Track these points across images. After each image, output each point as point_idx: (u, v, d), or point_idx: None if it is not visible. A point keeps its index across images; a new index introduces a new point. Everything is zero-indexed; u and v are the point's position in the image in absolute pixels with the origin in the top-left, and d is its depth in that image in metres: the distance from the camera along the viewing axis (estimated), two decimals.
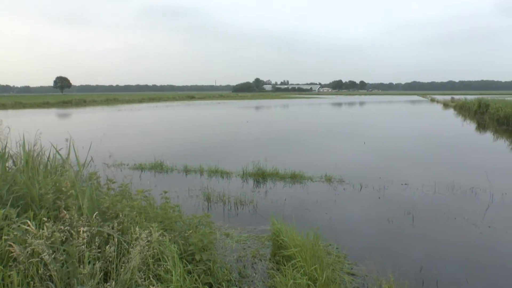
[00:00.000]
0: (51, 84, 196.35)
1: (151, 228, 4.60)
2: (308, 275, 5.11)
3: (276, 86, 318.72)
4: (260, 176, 11.85)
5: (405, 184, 11.16)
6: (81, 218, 4.46)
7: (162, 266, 4.52)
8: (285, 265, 5.37)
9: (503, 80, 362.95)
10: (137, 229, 4.47)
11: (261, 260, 6.22)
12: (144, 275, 4.34)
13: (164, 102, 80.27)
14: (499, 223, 8.13)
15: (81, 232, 4.21)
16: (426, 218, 8.49)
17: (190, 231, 5.37)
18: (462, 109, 48.00)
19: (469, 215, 8.60)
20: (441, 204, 9.47)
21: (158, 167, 13.11)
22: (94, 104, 69.20)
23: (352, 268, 6.06)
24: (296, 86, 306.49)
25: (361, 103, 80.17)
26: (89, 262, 4.19)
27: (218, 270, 5.22)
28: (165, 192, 6.35)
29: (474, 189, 10.57)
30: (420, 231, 7.77)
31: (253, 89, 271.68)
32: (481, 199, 9.75)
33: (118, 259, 4.44)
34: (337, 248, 6.72)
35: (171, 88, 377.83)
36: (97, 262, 4.23)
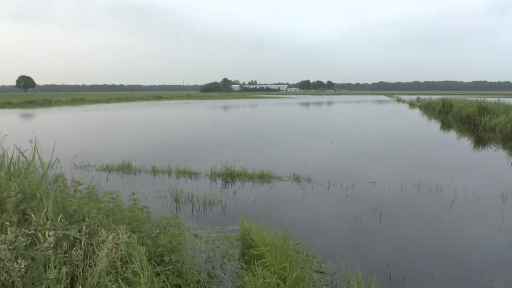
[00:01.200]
0: (14, 83, 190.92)
1: (119, 230, 4.56)
2: (277, 274, 5.15)
3: (244, 86, 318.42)
4: (229, 176, 11.86)
5: (373, 182, 11.35)
6: (46, 221, 4.37)
7: (130, 268, 4.48)
8: (254, 265, 5.39)
9: (465, 81, 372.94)
10: (103, 231, 4.42)
11: (230, 260, 6.24)
12: (112, 278, 4.29)
13: (132, 102, 79.20)
14: (462, 218, 8.38)
15: (47, 236, 4.12)
16: (393, 215, 8.67)
17: (158, 231, 5.34)
18: (427, 109, 49.12)
19: (434, 211, 8.83)
20: (407, 201, 9.68)
21: (126, 168, 12.95)
22: (60, 104, 67.64)
23: (321, 266, 6.13)
24: (264, 86, 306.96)
25: (329, 103, 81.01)
26: (55, 267, 4.11)
27: (187, 271, 5.21)
28: (133, 194, 6.29)
29: (439, 186, 10.84)
30: (388, 228, 7.94)
31: (221, 89, 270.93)
32: (445, 196, 10.02)
33: (85, 263, 4.38)
34: (306, 247, 6.78)
35: (138, 88, 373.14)
36: (64, 266, 4.15)
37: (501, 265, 6.33)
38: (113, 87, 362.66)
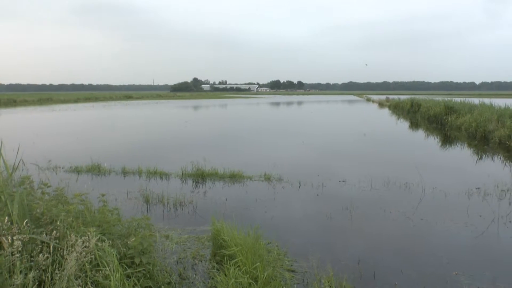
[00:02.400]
0: None
1: (88, 233, 4.49)
2: (249, 274, 5.16)
3: (215, 85, 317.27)
4: (200, 176, 11.81)
5: (343, 181, 11.47)
6: (11, 226, 4.26)
7: (100, 271, 4.42)
8: (226, 265, 5.39)
9: (432, 81, 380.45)
10: (72, 235, 4.34)
11: (201, 261, 6.22)
12: (81, 282, 4.23)
13: (101, 102, 77.88)
14: (430, 215, 8.56)
15: (11, 240, 4.02)
16: (363, 212, 8.80)
17: (129, 233, 5.29)
18: (396, 108, 49.94)
19: (403, 208, 8.99)
20: (377, 199, 9.83)
21: (96, 170, 12.74)
22: (26, 104, 66.02)
23: (292, 265, 6.17)
24: (235, 86, 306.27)
25: (299, 103, 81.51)
26: (20, 272, 4.01)
27: (158, 273, 5.17)
28: (103, 195, 6.20)
29: (408, 184, 11.04)
30: (358, 226, 8.05)
31: (191, 88, 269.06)
32: (414, 193, 10.21)
33: (53, 267, 4.29)
34: (277, 246, 6.82)
35: (108, 87, 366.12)
36: (30, 271, 4.06)
37: (467, 259, 6.50)
38: (81, 87, 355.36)
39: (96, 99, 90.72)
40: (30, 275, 3.96)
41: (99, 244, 4.61)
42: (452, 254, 6.70)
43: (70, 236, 4.36)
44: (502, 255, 6.71)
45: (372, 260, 6.45)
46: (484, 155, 16.43)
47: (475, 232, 7.65)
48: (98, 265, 4.52)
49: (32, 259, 4.22)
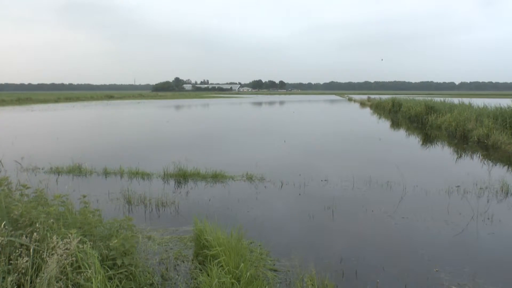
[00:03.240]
0: None
1: (69, 235, 4.44)
2: (232, 274, 5.16)
3: (196, 85, 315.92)
4: (182, 177, 11.77)
5: (325, 180, 11.53)
6: None
7: (82, 274, 4.37)
8: (209, 265, 5.38)
9: (413, 81, 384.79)
10: (54, 237, 4.28)
11: (184, 262, 6.20)
12: (62, 285, 4.17)
13: (82, 102, 76.87)
14: (411, 213, 8.66)
15: None
16: (345, 211, 8.86)
17: (110, 234, 5.24)
18: (378, 108, 50.39)
19: (385, 207, 9.08)
20: (359, 198, 9.91)
21: (76, 170, 12.59)
22: (4, 104, 64.73)
23: (274, 264, 6.19)
24: (216, 86, 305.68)
25: (281, 102, 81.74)
26: None
27: (140, 275, 5.13)
28: (84, 197, 6.13)
29: (390, 182, 11.15)
30: (340, 225, 8.10)
31: (173, 88, 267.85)
32: (395, 192, 10.32)
33: (33, 270, 4.23)
34: (259, 245, 6.82)
35: (89, 87, 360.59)
36: (8, 275, 3.98)
37: (447, 256, 6.59)
38: (62, 86, 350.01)
39: (77, 99, 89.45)
40: (9, 279, 3.90)
41: (81, 246, 4.56)
42: (433, 251, 6.79)
43: (51, 238, 4.31)
44: (480, 252, 6.83)
45: (354, 258, 6.50)
46: (463, 154, 16.67)
47: (455, 230, 7.76)
48: (79, 267, 4.46)
49: (10, 262, 4.15)
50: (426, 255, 6.60)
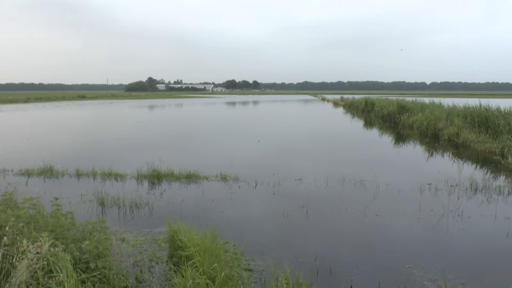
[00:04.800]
0: None
1: (41, 239, 4.36)
2: (206, 274, 5.15)
3: (170, 85, 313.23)
4: (155, 178, 11.67)
5: (299, 179, 11.60)
6: None
7: (53, 278, 4.30)
8: (184, 266, 5.35)
9: (385, 81, 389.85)
10: (24, 241, 4.20)
11: (158, 263, 6.15)
12: None
13: (53, 102, 75.24)
14: (384, 211, 8.78)
15: None
16: (319, 210, 8.92)
17: (83, 237, 5.17)
18: (351, 108, 50.93)
19: (358, 205, 9.19)
20: (333, 196, 10.00)
21: (48, 172, 12.33)
22: None
23: (249, 264, 6.20)
24: (190, 86, 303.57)
25: (255, 102, 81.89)
26: None
27: (114, 277, 5.08)
28: (56, 199, 6.04)
29: (363, 181, 11.28)
30: (314, 223, 8.16)
31: (146, 88, 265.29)
32: (369, 190, 10.45)
33: (2, 276, 4.13)
34: (234, 245, 6.82)
35: (60, 87, 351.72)
36: None
37: (420, 253, 6.72)
38: (31, 86, 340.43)
39: (47, 99, 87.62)
40: None
41: (52, 249, 4.49)
42: (405, 248, 6.92)
43: (21, 243, 4.22)
44: (451, 248, 6.98)
45: (328, 256, 6.56)
46: (434, 152, 17.01)
47: (427, 226, 7.91)
48: (51, 271, 4.39)
49: None
50: (399, 252, 6.71)
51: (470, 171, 12.91)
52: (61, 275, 4.26)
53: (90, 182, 11.39)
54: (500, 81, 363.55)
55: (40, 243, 4.32)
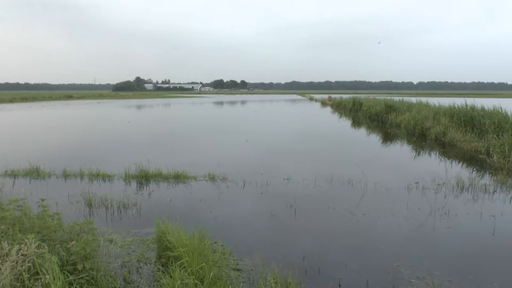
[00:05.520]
0: None
1: (26, 240, 4.32)
2: (195, 275, 5.14)
3: (158, 85, 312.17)
4: (143, 178, 11.61)
5: (287, 179, 11.61)
6: None
7: (39, 280, 4.26)
8: (172, 267, 5.33)
9: (373, 80, 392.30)
10: (5, 243, 4.14)
11: (146, 264, 6.13)
12: None
13: (40, 102, 74.36)
14: (372, 210, 8.83)
15: None
16: (307, 209, 8.95)
17: (70, 238, 5.13)
18: (339, 107, 51.11)
19: (346, 204, 9.23)
20: (321, 195, 10.03)
21: (34, 173, 12.21)
22: None
23: (238, 264, 6.19)
24: (178, 85, 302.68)
25: (243, 102, 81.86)
26: None
27: (102, 279, 5.04)
28: (43, 200, 5.98)
29: (351, 180, 11.33)
30: (302, 223, 8.18)
31: (134, 88, 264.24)
32: (356, 189, 10.50)
33: None
34: (222, 245, 6.81)
35: (46, 86, 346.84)
36: None
37: (407, 251, 6.76)
38: (17, 86, 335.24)
39: (34, 98, 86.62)
40: None
41: (38, 251, 4.44)
42: (393, 246, 6.96)
43: (4, 244, 4.17)
44: (438, 246, 7.04)
45: (317, 255, 6.58)
46: (422, 151, 17.14)
47: (414, 225, 7.97)
48: (37, 273, 4.35)
49: None
50: (386, 251, 6.76)
51: (456, 169, 13.03)
52: (48, 277, 4.22)
53: (78, 183, 11.30)
54: (485, 81, 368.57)
55: (25, 244, 4.28)
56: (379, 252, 6.73)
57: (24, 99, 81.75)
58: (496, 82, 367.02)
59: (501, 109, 18.91)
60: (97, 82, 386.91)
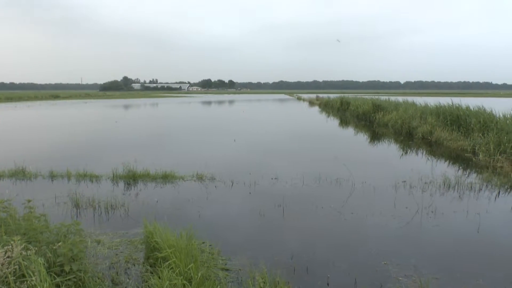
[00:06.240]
0: None
1: (12, 242, 4.27)
2: (183, 275, 5.13)
3: (145, 84, 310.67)
4: (131, 178, 11.55)
5: (275, 178, 11.63)
6: None
7: (26, 282, 4.22)
8: (160, 267, 5.32)
9: (360, 80, 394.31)
10: None
11: (134, 265, 6.10)
12: None
13: (25, 102, 73.48)
14: (360, 209, 8.89)
15: None
16: (295, 209, 8.97)
17: (57, 240, 5.08)
18: (326, 107, 51.22)
19: (334, 203, 9.26)
20: (309, 195, 10.06)
21: (20, 174, 12.08)
22: None
23: (226, 264, 6.19)
24: (165, 85, 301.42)
25: (231, 102, 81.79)
26: None
27: (89, 280, 5.01)
28: (29, 201, 5.91)
29: (339, 179, 11.38)
30: (291, 222, 8.20)
31: (121, 88, 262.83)
32: (344, 188, 10.55)
33: None
34: (210, 245, 6.80)
35: (32, 86, 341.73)
36: None
37: (395, 249, 6.82)
38: (2, 86, 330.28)
39: (19, 98, 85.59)
40: None
41: (24, 252, 4.40)
42: (381, 245, 7.01)
43: None
44: (425, 244, 7.11)
45: (305, 254, 6.60)
46: (409, 150, 17.26)
47: (401, 223, 8.03)
48: (23, 275, 4.30)
49: None
50: (374, 249, 6.80)
51: (443, 168, 13.15)
52: (34, 279, 4.18)
53: (65, 184, 11.21)
54: (471, 81, 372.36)
55: (11, 246, 4.23)
56: (367, 251, 6.77)
57: (9, 99, 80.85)
58: (481, 81, 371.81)
59: (484, 108, 19.15)
60: (84, 82, 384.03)
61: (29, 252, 4.45)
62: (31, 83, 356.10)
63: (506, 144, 13.72)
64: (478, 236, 7.50)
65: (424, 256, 6.55)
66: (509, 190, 10.63)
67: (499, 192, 10.37)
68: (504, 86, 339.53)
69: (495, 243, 7.21)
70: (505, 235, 7.66)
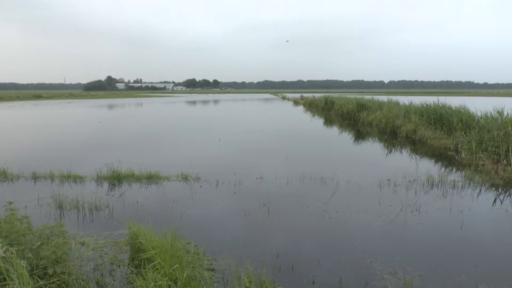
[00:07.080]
0: None
1: None
2: (168, 276, 5.11)
3: (129, 84, 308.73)
4: (116, 179, 11.46)
5: (260, 178, 11.63)
6: None
7: (7, 286, 4.16)
8: (145, 269, 5.29)
9: (345, 79, 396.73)
10: None
11: (119, 266, 6.05)
12: None
13: (7, 102, 72.56)
14: (345, 207, 8.93)
15: None
16: (280, 208, 8.98)
17: (40, 242, 5.02)
18: (311, 106, 51.39)
19: (319, 202, 9.30)
20: (294, 194, 10.08)
21: (1, 175, 11.89)
22: None
23: (211, 264, 6.18)
24: (150, 85, 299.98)
25: (216, 101, 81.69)
26: None
27: (73, 283, 4.97)
28: (10, 203, 5.82)
29: (324, 178, 11.42)
30: (276, 221, 8.21)
31: (105, 87, 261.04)
32: (329, 187, 10.59)
33: None
34: (195, 246, 6.78)
35: (14, 86, 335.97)
36: None
37: (379, 247, 6.86)
38: None
39: (0, 99, 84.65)
40: None
41: (5, 255, 4.33)
42: (366, 243, 7.05)
43: None
44: (409, 241, 7.17)
45: (290, 253, 6.61)
46: (393, 149, 17.40)
47: (386, 221, 8.09)
48: (4, 279, 4.24)
49: None
50: (359, 247, 6.84)
51: (427, 166, 13.28)
52: (16, 283, 4.12)
53: (48, 185, 11.08)
54: (453, 80, 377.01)
55: None
56: (352, 249, 6.81)
57: None
58: (463, 81, 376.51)
59: (465, 108, 19.35)
60: (67, 82, 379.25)
61: (10, 255, 4.38)
62: (13, 83, 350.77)
63: (488, 142, 13.88)
64: (461, 233, 7.59)
65: (409, 254, 6.61)
66: (490, 187, 10.77)
67: (481, 190, 10.51)
68: (485, 85, 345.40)
69: (477, 240, 7.31)
70: (487, 232, 7.77)
